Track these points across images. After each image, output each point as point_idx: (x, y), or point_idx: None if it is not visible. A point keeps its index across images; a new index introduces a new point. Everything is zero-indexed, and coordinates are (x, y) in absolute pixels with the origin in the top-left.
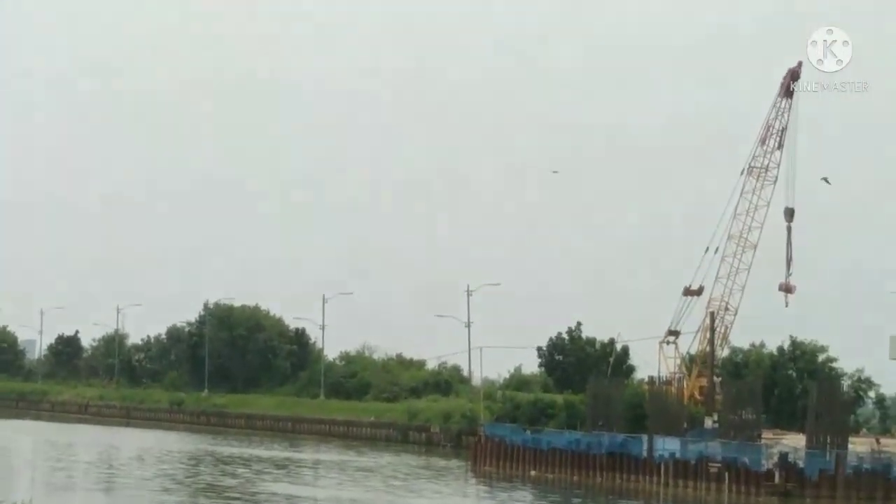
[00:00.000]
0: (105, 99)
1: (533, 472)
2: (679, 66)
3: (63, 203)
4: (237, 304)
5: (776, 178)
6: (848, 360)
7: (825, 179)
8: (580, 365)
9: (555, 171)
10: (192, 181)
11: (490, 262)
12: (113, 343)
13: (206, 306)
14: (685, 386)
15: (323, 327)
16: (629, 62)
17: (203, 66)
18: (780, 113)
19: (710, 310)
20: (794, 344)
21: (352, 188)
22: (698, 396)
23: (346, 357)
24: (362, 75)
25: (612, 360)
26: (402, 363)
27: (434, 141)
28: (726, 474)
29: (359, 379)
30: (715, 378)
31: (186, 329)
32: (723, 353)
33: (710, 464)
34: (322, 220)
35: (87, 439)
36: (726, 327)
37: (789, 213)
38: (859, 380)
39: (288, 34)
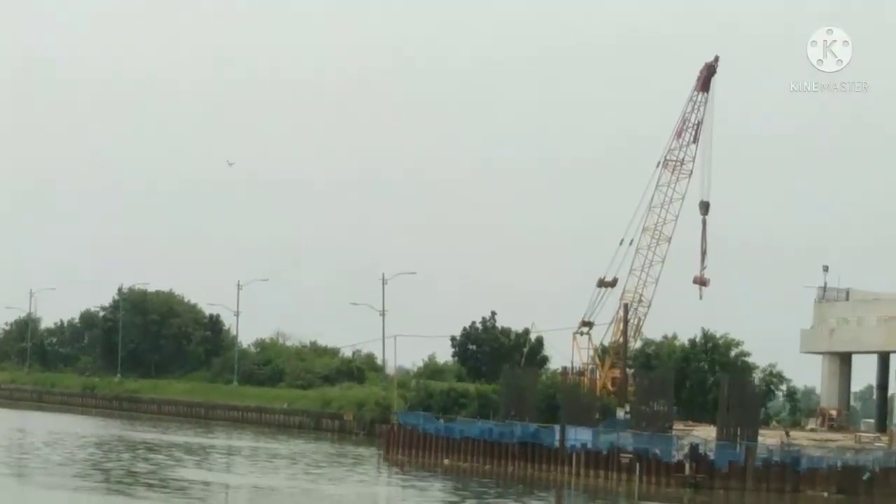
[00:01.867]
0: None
1: (446, 461)
2: (597, 62)
3: None
4: (151, 289)
5: (691, 171)
6: (761, 354)
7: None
8: (494, 354)
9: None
10: (105, 168)
11: (409, 251)
12: (25, 327)
13: (120, 291)
14: (598, 377)
15: (237, 314)
16: (547, 63)
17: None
18: (696, 107)
19: (624, 301)
20: (706, 336)
21: (275, 175)
22: (611, 387)
23: (260, 344)
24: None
25: (525, 350)
26: (317, 351)
27: (366, 133)
28: (637, 465)
29: (272, 366)
30: (628, 369)
31: (100, 314)
32: (636, 344)
33: (622, 454)
34: (241, 207)
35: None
36: (640, 319)
37: (704, 207)
38: (771, 374)
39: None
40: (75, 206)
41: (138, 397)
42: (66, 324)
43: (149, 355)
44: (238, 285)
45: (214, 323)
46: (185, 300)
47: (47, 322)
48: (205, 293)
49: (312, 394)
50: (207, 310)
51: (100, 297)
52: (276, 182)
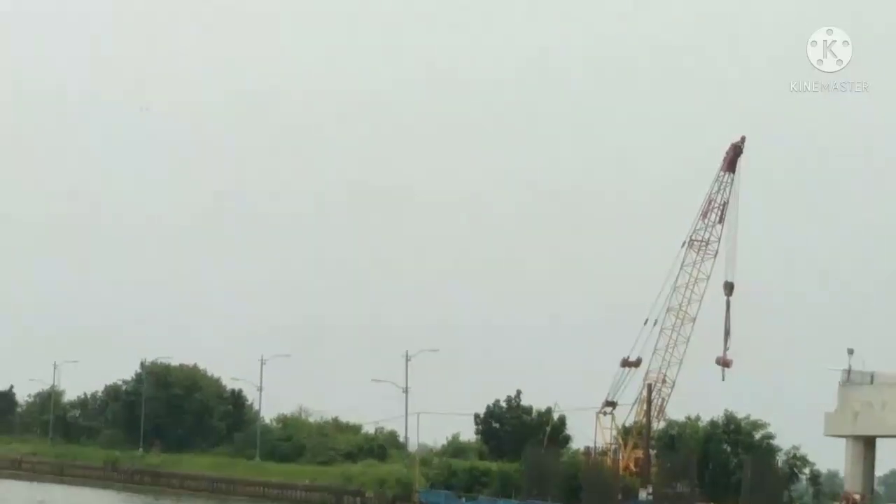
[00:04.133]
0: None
1: None
2: (626, 134)
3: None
4: (174, 363)
5: (716, 251)
6: (784, 435)
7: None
8: (516, 433)
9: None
10: (130, 240)
11: (432, 329)
12: (49, 399)
13: (143, 365)
14: (621, 457)
15: (260, 389)
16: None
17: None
18: (722, 187)
19: (648, 381)
20: (729, 418)
21: (300, 254)
22: (634, 468)
23: (282, 419)
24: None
25: (548, 429)
26: (339, 427)
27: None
28: None
29: (294, 441)
30: (651, 450)
31: (123, 387)
32: (659, 425)
33: None
34: (263, 282)
35: (20, 495)
36: (663, 399)
37: (729, 288)
38: (794, 457)
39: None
40: (98, 277)
41: (160, 471)
42: (89, 396)
43: (171, 429)
44: (261, 360)
45: (237, 398)
46: (209, 374)
47: (70, 395)
48: (227, 367)
49: (334, 470)
50: (230, 384)
51: (124, 370)
52: (301, 259)
